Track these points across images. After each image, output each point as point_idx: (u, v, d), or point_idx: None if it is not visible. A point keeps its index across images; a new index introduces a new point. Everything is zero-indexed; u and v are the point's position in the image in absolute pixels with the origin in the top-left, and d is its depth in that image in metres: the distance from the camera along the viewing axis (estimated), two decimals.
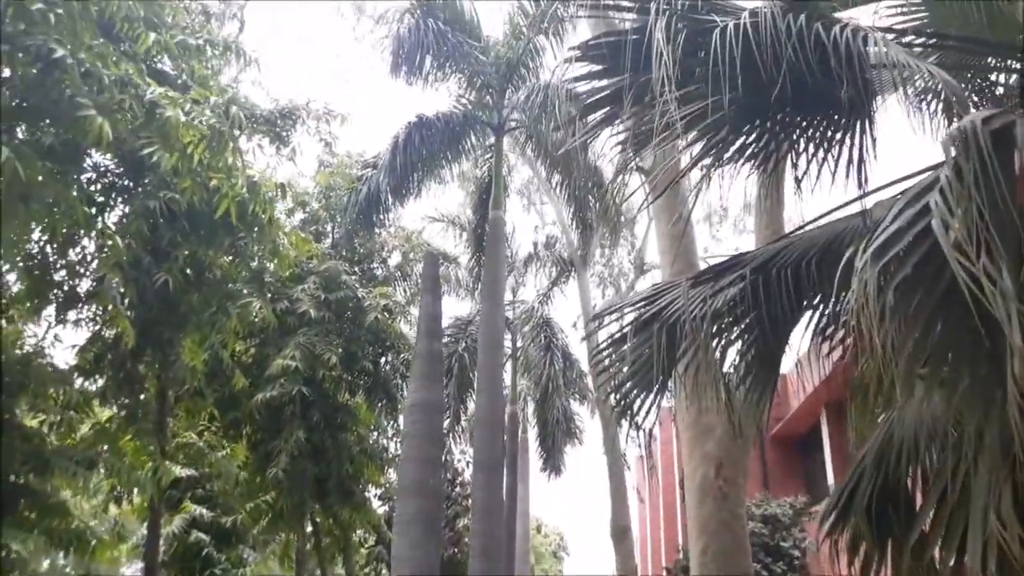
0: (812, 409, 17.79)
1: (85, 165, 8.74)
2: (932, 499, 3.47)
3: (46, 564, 21.50)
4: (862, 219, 3.67)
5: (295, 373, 12.32)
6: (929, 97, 4.50)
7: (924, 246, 2.68)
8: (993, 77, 4.49)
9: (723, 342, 4.37)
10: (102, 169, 9.09)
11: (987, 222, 2.42)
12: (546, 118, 11.29)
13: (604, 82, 4.11)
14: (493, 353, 11.86)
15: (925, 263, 2.70)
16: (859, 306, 2.71)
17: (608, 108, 4.19)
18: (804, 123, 3.96)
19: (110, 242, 7.91)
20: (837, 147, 3.88)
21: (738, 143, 4.12)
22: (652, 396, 4.52)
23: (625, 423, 4.63)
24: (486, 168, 15.13)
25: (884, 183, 3.75)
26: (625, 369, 4.57)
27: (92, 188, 8.94)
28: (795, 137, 4.02)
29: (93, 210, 8.66)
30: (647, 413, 4.56)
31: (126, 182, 9.09)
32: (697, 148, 4.25)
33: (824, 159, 3.97)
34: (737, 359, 4.44)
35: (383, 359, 14.61)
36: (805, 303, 4.22)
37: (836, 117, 3.88)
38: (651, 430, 4.78)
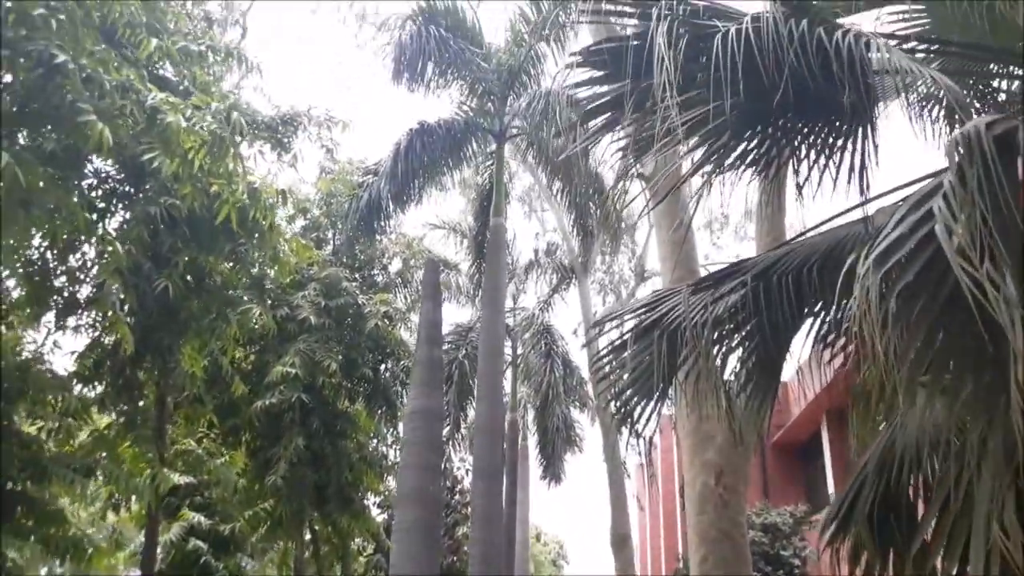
0: (813, 416, 17.75)
1: (86, 171, 8.74)
2: (934, 507, 3.44)
3: (43, 572, 21.42)
4: (864, 226, 3.66)
5: (295, 380, 12.30)
6: (931, 104, 4.50)
7: (927, 252, 2.67)
8: (995, 83, 4.49)
9: (724, 349, 4.35)
10: (103, 175, 9.09)
11: (991, 227, 2.40)
12: (547, 125, 11.31)
13: (605, 88, 4.11)
14: (493, 360, 11.84)
15: (928, 269, 2.69)
16: (861, 312, 2.69)
17: (609, 114, 4.19)
18: (806, 129, 3.95)
19: (110, 248, 7.90)
20: (839, 153, 3.87)
21: (739, 149, 4.12)
22: (652, 403, 4.50)
23: (625, 431, 4.61)
24: (487, 175, 15.14)
25: (886, 190, 3.74)
26: (625, 376, 4.56)
27: (93, 194, 8.94)
28: (796, 143, 4.01)
29: (94, 216, 8.66)
30: (647, 421, 4.54)
31: (127, 188, 9.09)
32: (698, 154, 4.24)
33: (826, 165, 3.97)
34: (738, 366, 4.42)
35: (383, 366, 14.58)
36: (806, 310, 4.21)
37: (838, 123, 3.87)
38: (651, 438, 4.75)
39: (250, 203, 8.35)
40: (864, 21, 4.13)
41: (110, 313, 7.98)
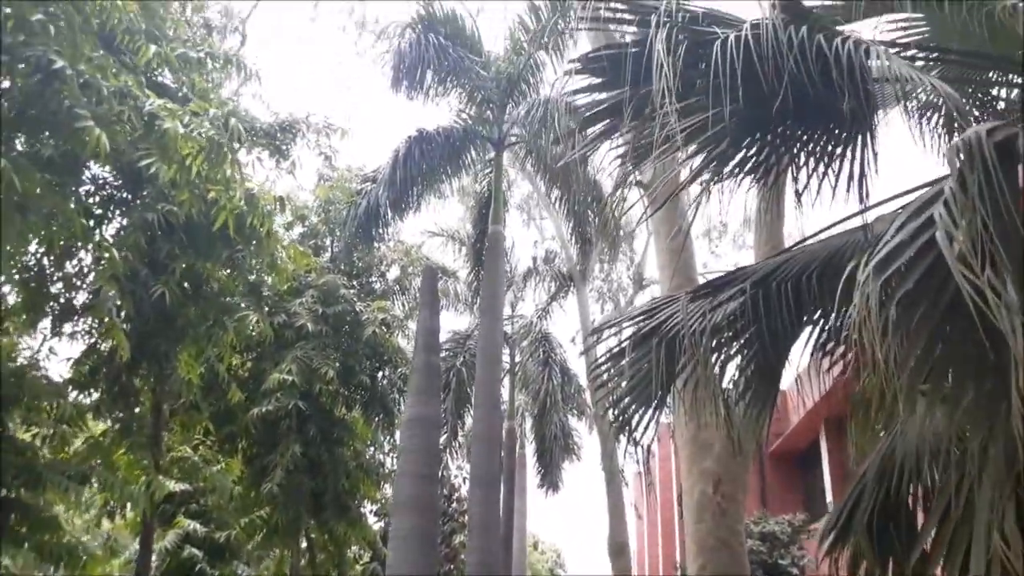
0: (811, 425, 17.74)
1: (84, 177, 8.72)
2: (934, 516, 3.42)
3: None
4: (863, 233, 3.65)
5: (292, 387, 12.25)
6: (930, 112, 4.50)
7: (927, 259, 2.65)
8: (994, 92, 4.49)
9: (722, 357, 4.34)
10: (100, 181, 9.06)
11: (991, 234, 2.39)
12: (546, 132, 11.32)
13: (604, 95, 4.11)
14: (491, 368, 11.82)
15: (928, 276, 2.68)
16: (861, 319, 2.68)
17: (608, 121, 4.18)
18: (805, 136, 3.95)
19: (107, 254, 7.86)
20: (838, 161, 3.86)
21: (738, 156, 4.11)
22: (651, 411, 4.48)
23: (623, 439, 4.58)
24: (486, 183, 15.15)
25: (885, 198, 3.73)
26: (623, 384, 4.54)
27: (90, 200, 8.91)
28: (796, 150, 4.00)
29: (91, 222, 8.63)
30: (645, 429, 4.52)
31: (124, 194, 9.07)
32: (697, 161, 4.23)
33: (825, 173, 3.96)
34: (737, 374, 4.40)
35: (380, 373, 14.54)
36: (805, 318, 4.19)
37: (837, 131, 3.87)
38: (649, 446, 4.73)
39: (248, 210, 8.33)
40: (863, 30, 4.13)
41: (106, 319, 7.94)
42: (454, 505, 25.19)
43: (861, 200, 3.74)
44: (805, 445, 19.07)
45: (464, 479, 21.94)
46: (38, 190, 7.07)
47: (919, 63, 4.01)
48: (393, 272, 16.46)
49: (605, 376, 4.58)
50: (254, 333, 11.26)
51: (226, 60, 8.98)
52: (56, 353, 9.91)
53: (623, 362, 4.41)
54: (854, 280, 2.78)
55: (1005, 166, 2.54)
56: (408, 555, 9.80)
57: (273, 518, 13.31)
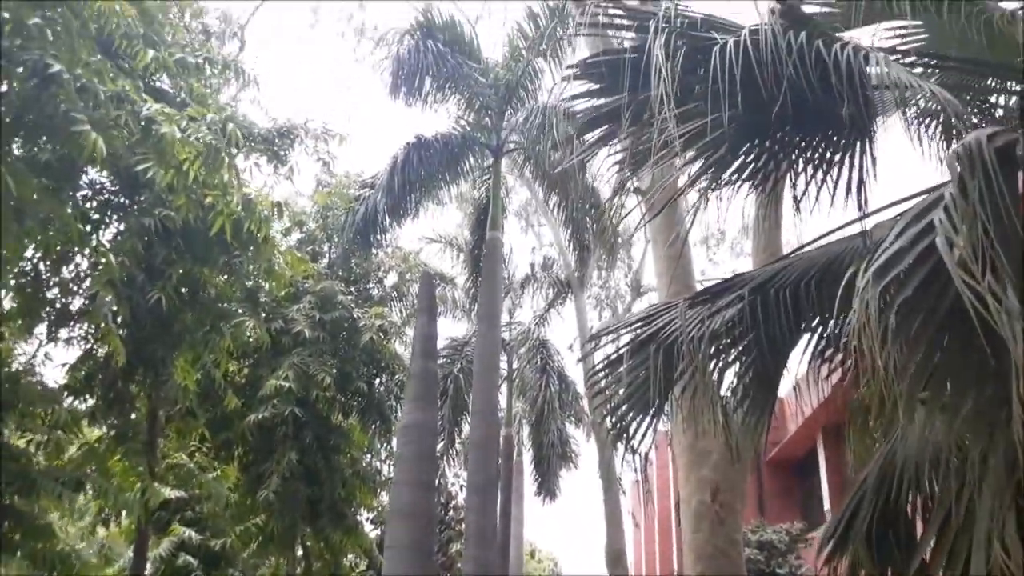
0: (809, 433, 17.72)
1: (81, 182, 8.70)
2: (934, 525, 3.39)
3: None
4: (862, 240, 3.63)
5: (288, 394, 12.21)
6: (928, 119, 4.49)
7: (927, 265, 2.64)
8: (993, 99, 4.49)
9: (720, 364, 4.31)
10: (97, 186, 9.04)
11: (992, 239, 2.38)
12: (544, 139, 11.32)
13: (602, 100, 4.10)
14: (488, 375, 11.78)
15: (928, 282, 2.66)
16: (860, 326, 2.66)
17: (606, 126, 4.17)
18: (803, 143, 3.94)
19: (103, 260, 7.83)
20: (837, 167, 3.85)
21: (737, 163, 4.10)
22: (648, 419, 4.45)
23: (621, 446, 4.56)
24: (484, 189, 15.14)
25: (883, 205, 3.72)
26: (621, 391, 4.51)
27: (87, 205, 8.88)
28: (794, 157, 3.99)
29: (87, 227, 8.61)
30: (643, 436, 4.49)
31: (121, 199, 9.04)
32: (695, 167, 4.22)
33: (824, 179, 3.95)
34: (735, 381, 4.38)
35: (378, 380, 14.50)
36: (804, 325, 4.17)
37: (836, 138, 3.86)
38: (647, 454, 4.70)
39: (245, 215, 8.31)
40: (862, 37, 4.13)
41: (102, 325, 7.91)
42: (451, 513, 25.09)
43: (860, 207, 3.73)
44: (802, 453, 19.04)
45: (461, 487, 21.84)
46: (35, 195, 7.05)
47: (918, 70, 4.00)
48: (391, 278, 16.45)
49: (603, 383, 4.55)
50: (251, 339, 11.21)
51: (224, 65, 8.98)
52: (52, 358, 9.84)
53: (621, 369, 4.38)
54: (853, 286, 2.76)
55: (1006, 171, 2.52)
56: (404, 564, 9.72)
57: (269, 526, 13.23)
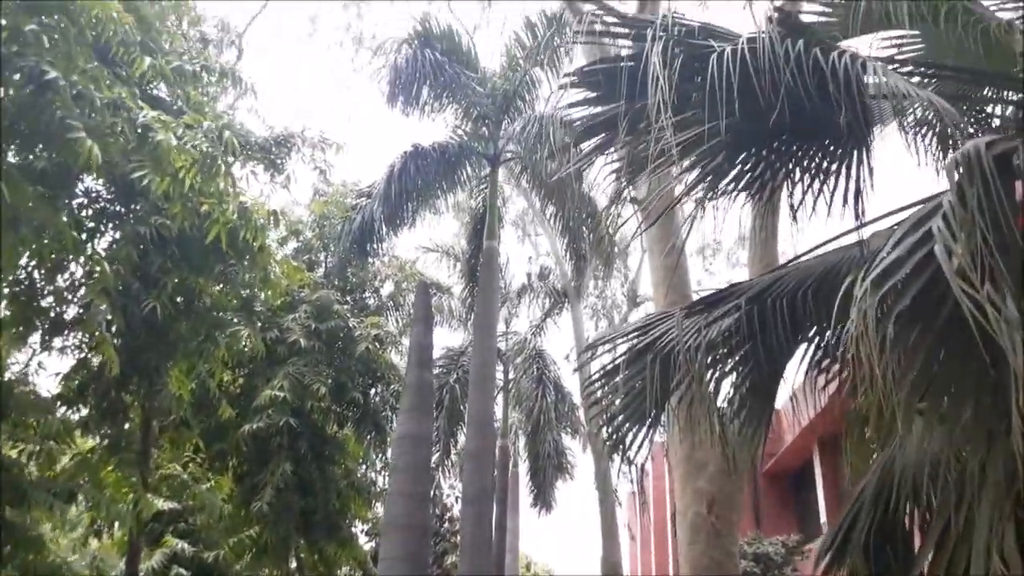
0: (805, 444, 17.67)
1: (76, 190, 8.67)
2: (932, 537, 3.36)
3: None
4: (859, 249, 3.62)
5: (283, 404, 12.14)
6: (925, 129, 4.49)
7: (926, 273, 2.62)
8: (989, 109, 4.49)
9: (717, 374, 4.29)
10: (93, 194, 9.02)
11: (991, 248, 2.36)
12: (541, 148, 11.33)
13: (599, 108, 4.08)
14: (484, 385, 11.73)
15: (927, 291, 2.64)
16: (858, 335, 2.64)
17: (603, 135, 4.16)
18: (800, 151, 3.93)
19: (98, 268, 7.80)
20: (834, 176, 3.84)
21: (734, 171, 4.09)
22: (645, 430, 4.42)
23: (617, 457, 4.52)
24: (481, 198, 15.14)
25: (880, 215, 3.71)
26: (617, 401, 4.48)
27: (82, 213, 8.85)
28: (791, 165, 3.98)
29: (82, 235, 8.57)
30: (639, 447, 4.45)
31: (117, 208, 9.01)
32: (691, 176, 4.20)
33: (821, 188, 3.94)
34: (732, 391, 4.35)
35: (373, 390, 14.44)
36: (801, 335, 4.15)
37: (832, 147, 3.85)
38: (643, 465, 4.67)
39: (241, 224, 8.28)
40: (859, 46, 4.13)
41: (96, 334, 7.87)
42: (446, 525, 24.96)
43: (857, 216, 3.71)
44: (799, 465, 18.99)
45: (456, 498, 21.75)
46: (30, 203, 7.02)
47: (915, 79, 4.00)
48: (387, 288, 16.42)
49: (599, 393, 4.52)
50: (246, 349, 11.17)
51: (222, 73, 8.97)
52: (45, 368, 9.81)
53: (617, 379, 4.35)
54: (851, 296, 2.74)
55: (1004, 179, 2.51)
56: None
57: (262, 538, 13.13)
